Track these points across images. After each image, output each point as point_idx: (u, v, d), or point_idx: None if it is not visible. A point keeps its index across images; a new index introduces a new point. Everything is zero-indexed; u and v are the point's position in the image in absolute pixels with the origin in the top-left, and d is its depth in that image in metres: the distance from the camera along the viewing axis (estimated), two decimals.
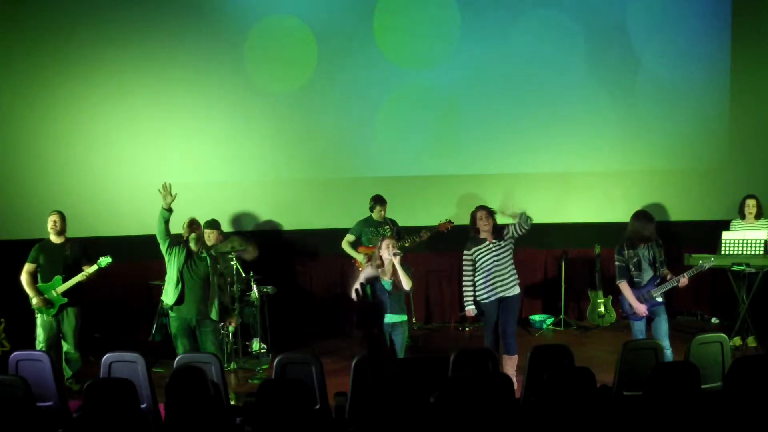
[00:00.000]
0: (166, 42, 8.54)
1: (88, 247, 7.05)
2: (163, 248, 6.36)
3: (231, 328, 7.13)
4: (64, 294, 6.76)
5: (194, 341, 6.40)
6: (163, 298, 6.58)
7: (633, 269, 6.48)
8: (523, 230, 6.48)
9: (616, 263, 6.56)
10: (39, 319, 6.79)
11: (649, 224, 6.44)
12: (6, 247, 8.05)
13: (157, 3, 8.55)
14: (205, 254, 6.43)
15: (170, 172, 8.43)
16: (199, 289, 6.34)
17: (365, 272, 6.19)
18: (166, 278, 6.46)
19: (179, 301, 6.30)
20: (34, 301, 6.71)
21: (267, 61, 8.70)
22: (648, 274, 6.46)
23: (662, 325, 6.42)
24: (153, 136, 8.61)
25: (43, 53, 8.43)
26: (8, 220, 8.46)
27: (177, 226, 6.47)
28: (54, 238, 6.90)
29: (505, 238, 6.51)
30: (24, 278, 6.79)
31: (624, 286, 6.49)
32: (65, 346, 6.87)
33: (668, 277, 6.51)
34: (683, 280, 6.41)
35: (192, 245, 6.38)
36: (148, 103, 8.57)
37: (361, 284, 5.72)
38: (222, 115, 8.68)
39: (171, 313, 6.41)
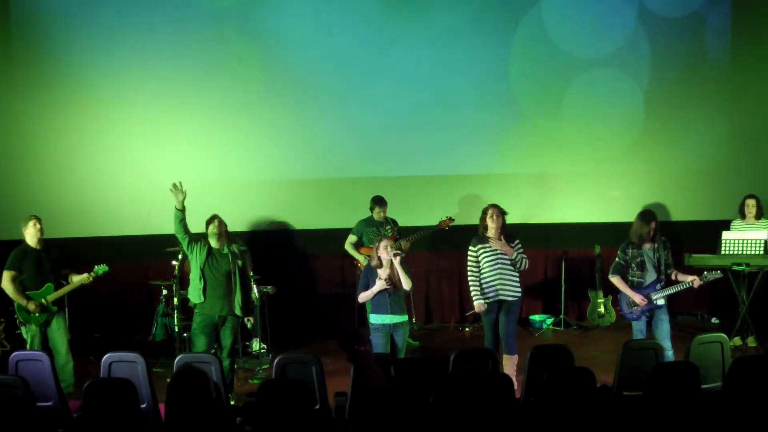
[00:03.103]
0: (170, 43, 8.53)
1: (64, 251, 6.75)
2: (184, 246, 6.39)
3: (249, 325, 7.11)
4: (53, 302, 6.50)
5: (215, 339, 6.42)
6: (189, 296, 6.56)
7: (635, 269, 6.48)
8: (519, 266, 6.47)
9: (616, 259, 6.58)
10: (28, 330, 6.43)
11: (647, 224, 6.42)
12: (7, 247, 8.03)
13: (163, 2, 8.55)
14: (227, 250, 6.43)
15: (170, 172, 8.40)
16: (220, 286, 6.34)
17: (378, 285, 6.12)
18: (190, 276, 6.46)
19: (201, 296, 6.31)
20: (32, 307, 6.36)
21: (268, 62, 8.69)
22: (651, 276, 6.45)
23: (663, 326, 6.40)
24: (153, 136, 8.60)
25: (44, 51, 8.42)
26: (7, 220, 8.45)
27: (199, 226, 6.50)
28: (35, 244, 6.50)
29: (513, 246, 6.45)
30: (11, 286, 6.38)
31: (617, 281, 6.51)
32: (58, 357, 6.40)
33: (674, 277, 6.49)
34: (697, 281, 6.40)
35: (213, 242, 6.39)
36: (149, 104, 8.56)
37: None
38: (222, 116, 8.68)
39: (195, 310, 6.42)
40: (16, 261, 6.46)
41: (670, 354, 6.25)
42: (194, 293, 6.37)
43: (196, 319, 6.42)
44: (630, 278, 6.52)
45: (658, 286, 6.42)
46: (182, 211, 6.28)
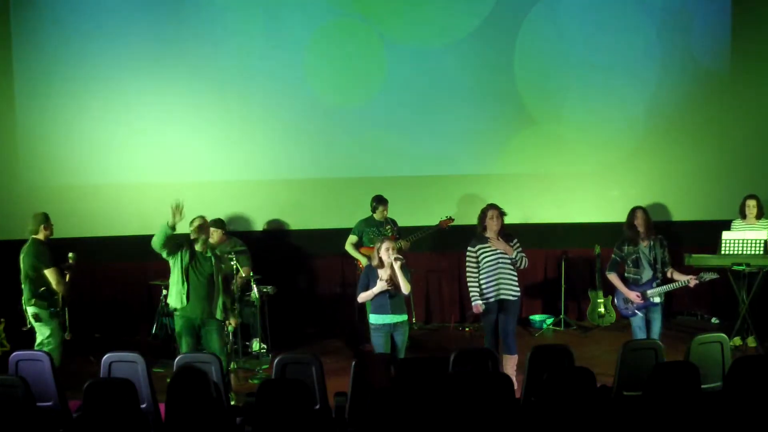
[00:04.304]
0: (167, 40, 8.53)
1: None
2: (164, 255, 6.31)
3: (230, 328, 7.11)
4: None
5: (198, 340, 6.40)
6: (168, 300, 6.55)
7: (631, 266, 6.52)
8: (519, 265, 6.50)
9: (612, 256, 6.62)
10: (55, 322, 6.58)
11: (631, 213, 6.55)
12: (6, 247, 8.03)
13: (163, 2, 8.56)
14: (210, 254, 6.43)
15: (170, 171, 8.48)
16: (203, 288, 6.31)
17: (379, 286, 6.11)
18: (170, 280, 6.42)
19: (184, 300, 6.28)
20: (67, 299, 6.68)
21: (267, 61, 8.69)
22: (647, 273, 6.47)
23: (655, 326, 6.49)
24: (153, 135, 8.59)
25: (45, 51, 8.43)
26: (8, 220, 8.45)
27: (183, 225, 6.46)
28: (44, 241, 6.68)
29: (512, 245, 6.47)
30: (62, 281, 6.61)
31: (613, 278, 6.56)
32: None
33: (671, 275, 6.50)
34: (693, 280, 6.42)
35: (197, 245, 6.37)
36: (148, 102, 8.56)
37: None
38: (222, 115, 8.68)
39: (176, 312, 6.40)
40: (51, 257, 6.63)
41: None
42: (176, 297, 6.30)
43: (177, 322, 6.38)
44: (626, 275, 6.57)
45: (654, 284, 6.45)
46: (172, 230, 6.20)
